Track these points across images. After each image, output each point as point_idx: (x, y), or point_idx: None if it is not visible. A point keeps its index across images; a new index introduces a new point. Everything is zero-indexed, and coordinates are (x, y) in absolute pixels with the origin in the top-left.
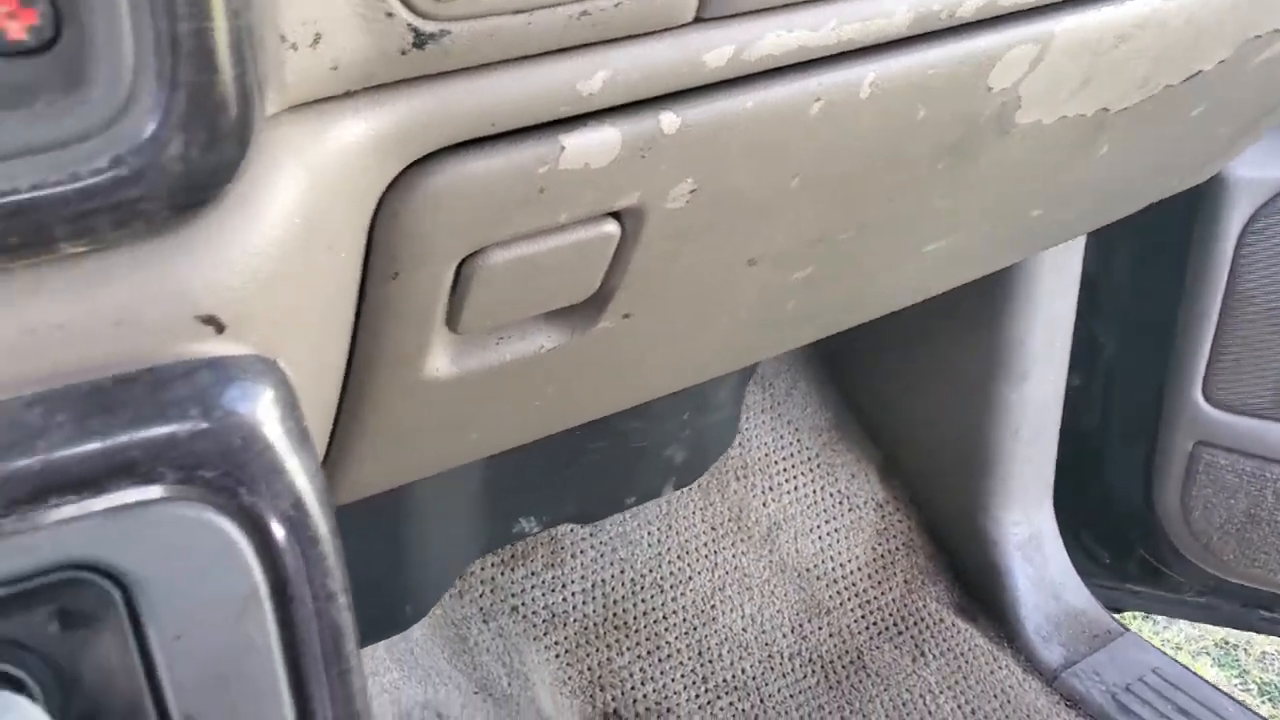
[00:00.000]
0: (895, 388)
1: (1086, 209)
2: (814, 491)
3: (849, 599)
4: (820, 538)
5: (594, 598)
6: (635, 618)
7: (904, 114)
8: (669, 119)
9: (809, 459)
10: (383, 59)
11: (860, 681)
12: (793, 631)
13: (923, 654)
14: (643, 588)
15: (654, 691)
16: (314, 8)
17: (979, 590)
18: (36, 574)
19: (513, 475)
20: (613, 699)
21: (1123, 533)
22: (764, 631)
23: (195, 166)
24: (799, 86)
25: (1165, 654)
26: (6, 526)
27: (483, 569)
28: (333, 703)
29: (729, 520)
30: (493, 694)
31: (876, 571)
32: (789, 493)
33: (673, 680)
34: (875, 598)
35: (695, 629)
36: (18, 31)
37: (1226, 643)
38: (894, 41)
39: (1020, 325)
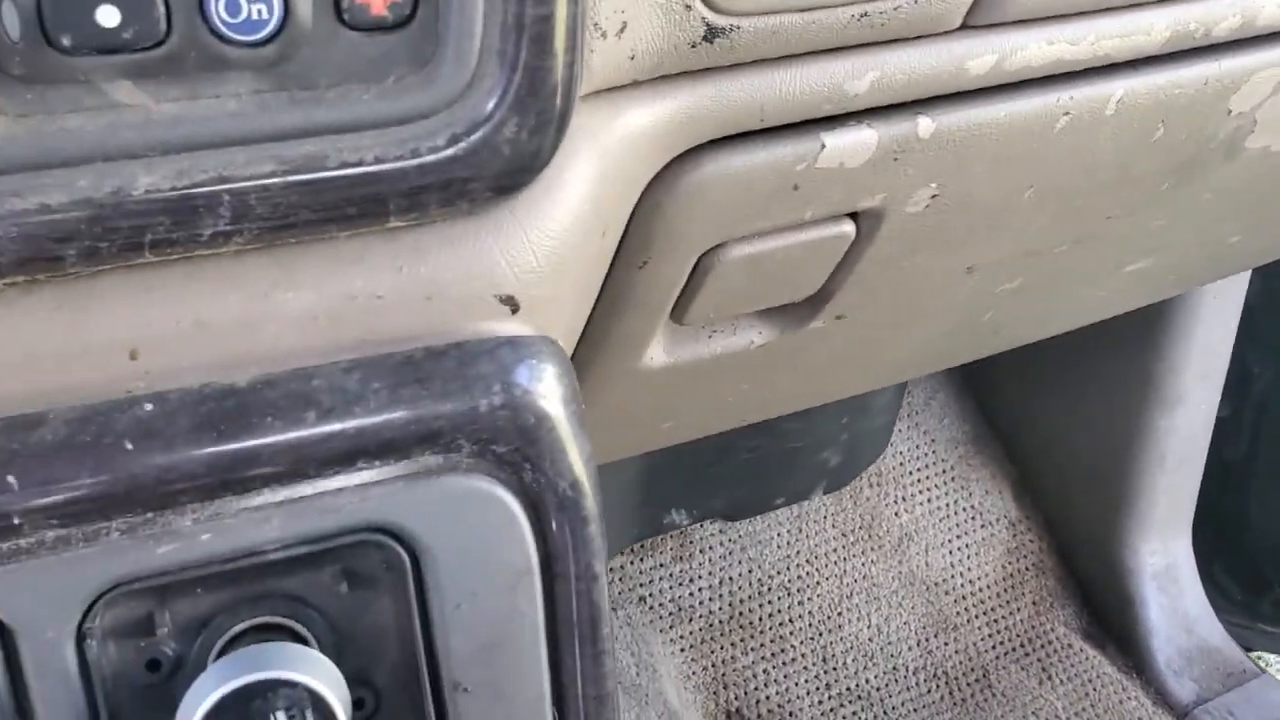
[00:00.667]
0: (1036, 405)
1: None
2: (947, 505)
3: (976, 616)
4: (951, 552)
5: (720, 595)
6: (760, 619)
7: (1142, 131)
8: (925, 123)
9: (944, 471)
10: (674, 50)
11: (985, 700)
12: (918, 645)
13: (1050, 677)
14: (770, 589)
15: (777, 694)
16: None
17: (1109, 617)
18: (339, 534)
19: (667, 467)
20: (735, 698)
21: (1259, 569)
22: (889, 643)
23: (522, 149)
24: (1050, 99)
25: None
26: (318, 487)
27: (612, 557)
28: (585, 681)
29: (860, 528)
30: (621, 682)
31: (1005, 590)
32: (922, 504)
33: (796, 685)
34: (1003, 617)
35: (820, 635)
36: (379, 7)
37: None
38: (1145, 59)
39: (1177, 351)
